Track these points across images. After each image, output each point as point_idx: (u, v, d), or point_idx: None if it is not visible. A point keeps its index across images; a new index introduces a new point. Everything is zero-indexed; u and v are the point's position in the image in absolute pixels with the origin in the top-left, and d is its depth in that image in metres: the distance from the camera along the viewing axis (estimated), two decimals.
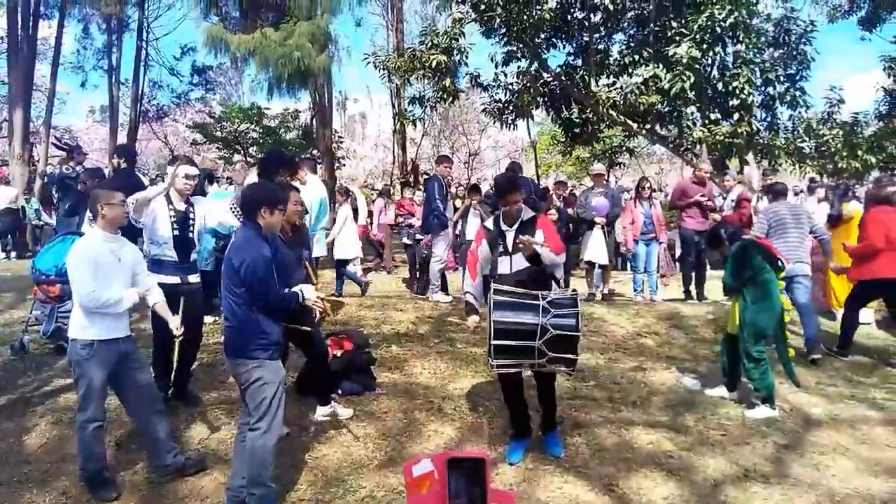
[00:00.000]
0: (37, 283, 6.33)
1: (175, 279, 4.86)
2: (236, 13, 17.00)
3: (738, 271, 5.36)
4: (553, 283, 4.38)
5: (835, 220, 8.04)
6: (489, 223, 4.58)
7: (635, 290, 9.23)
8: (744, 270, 5.32)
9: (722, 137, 10.33)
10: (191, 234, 5.02)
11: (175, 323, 4.19)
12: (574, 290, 4.39)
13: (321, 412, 4.95)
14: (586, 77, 11.58)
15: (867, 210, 7.11)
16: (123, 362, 4.00)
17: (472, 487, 3.37)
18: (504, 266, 4.35)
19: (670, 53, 9.96)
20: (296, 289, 3.89)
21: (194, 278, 5.05)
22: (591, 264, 9.11)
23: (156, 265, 4.79)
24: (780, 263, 5.33)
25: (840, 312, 8.04)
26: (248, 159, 18.61)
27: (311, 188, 7.08)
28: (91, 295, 3.81)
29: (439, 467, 3.33)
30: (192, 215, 5.04)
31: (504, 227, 4.43)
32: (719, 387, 5.64)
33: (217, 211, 5.29)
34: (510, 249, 4.34)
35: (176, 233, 4.89)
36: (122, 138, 21.88)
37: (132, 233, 4.58)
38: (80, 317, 3.91)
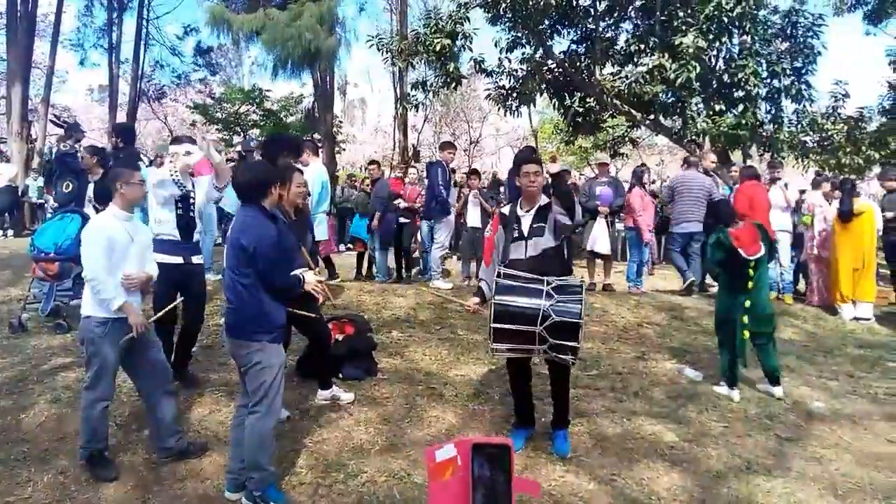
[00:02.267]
0: (35, 260, 6.29)
1: (178, 259, 4.83)
2: None
3: (713, 258, 5.54)
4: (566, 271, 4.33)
5: (847, 216, 8.06)
6: (506, 209, 4.51)
7: (629, 279, 9.18)
8: (717, 258, 5.48)
9: (726, 129, 10.26)
10: (192, 214, 4.98)
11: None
12: (581, 278, 4.35)
13: (322, 395, 4.92)
14: (591, 65, 11.49)
15: (740, 184, 8.54)
16: (136, 341, 3.96)
17: (496, 474, 3.34)
18: (518, 251, 4.24)
19: (676, 43, 9.86)
20: (297, 272, 3.86)
21: (197, 259, 5.02)
22: (593, 254, 9.07)
23: (159, 245, 4.75)
24: (741, 254, 5.32)
25: (845, 307, 8.07)
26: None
27: (312, 171, 7.03)
28: (96, 274, 3.77)
29: (463, 452, 3.30)
30: (192, 195, 5.00)
31: (520, 212, 4.35)
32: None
33: (202, 188, 5.24)
34: (525, 234, 4.24)
35: (179, 212, 4.85)
36: (121, 117, 21.73)
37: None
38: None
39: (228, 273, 3.70)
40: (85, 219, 5.91)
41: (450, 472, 3.04)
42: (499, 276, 4.03)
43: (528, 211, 4.32)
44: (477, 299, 4.46)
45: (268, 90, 21.17)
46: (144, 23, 22.31)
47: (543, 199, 4.34)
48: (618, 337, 6.88)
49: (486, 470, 3.08)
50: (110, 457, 4.00)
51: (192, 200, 4.99)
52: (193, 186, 5.05)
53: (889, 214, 8.32)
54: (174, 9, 44.22)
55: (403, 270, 9.89)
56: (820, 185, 9.07)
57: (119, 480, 3.87)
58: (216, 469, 4.01)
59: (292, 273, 3.87)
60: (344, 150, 24.49)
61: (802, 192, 10.51)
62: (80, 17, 23.61)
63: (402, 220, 9.53)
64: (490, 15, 11.27)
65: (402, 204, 9.52)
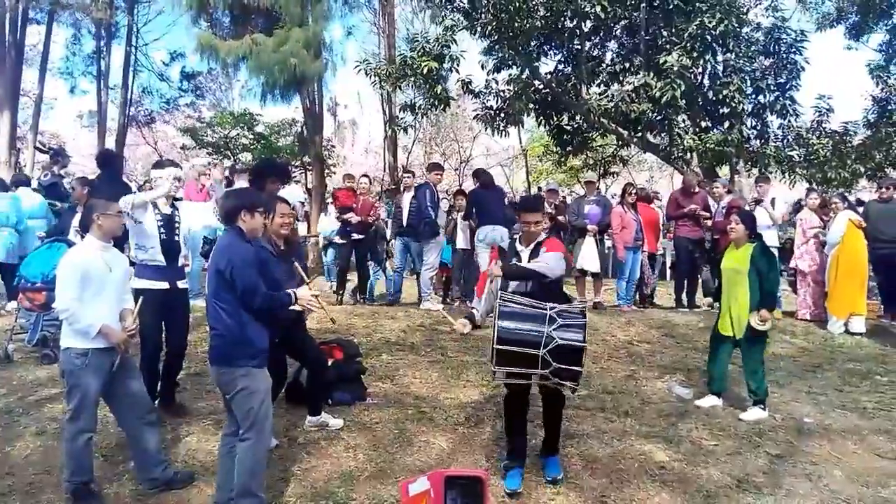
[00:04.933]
0: (22, 290, 6.26)
1: (163, 284, 4.81)
2: (226, 19, 17.00)
3: (777, 268, 5.51)
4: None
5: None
6: (505, 244, 4.59)
7: (619, 297, 9.22)
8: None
9: (712, 145, 10.34)
10: (177, 238, 4.97)
11: (128, 322, 4.05)
12: (583, 302, 4.36)
13: (311, 422, 4.88)
14: (578, 84, 11.58)
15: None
16: (117, 371, 3.93)
17: None
18: (519, 285, 4.30)
19: (661, 62, 9.96)
20: (288, 290, 3.86)
21: (182, 284, 5.00)
22: (582, 272, 9.09)
23: (143, 270, 4.75)
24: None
25: (838, 321, 8.07)
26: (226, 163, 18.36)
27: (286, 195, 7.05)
28: (68, 305, 3.75)
29: (436, 486, 3.28)
30: (177, 218, 5.00)
31: (519, 247, 4.44)
32: (710, 396, 5.61)
33: (203, 214, 5.25)
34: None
35: (163, 236, 4.84)
36: (110, 143, 21.74)
37: (117, 240, 4.50)
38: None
39: (210, 300, 3.71)
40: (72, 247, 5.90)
41: None
42: (501, 300, 3.99)
43: (527, 245, 4.40)
44: (466, 321, 4.46)
45: (258, 114, 21.27)
46: (132, 49, 22.39)
47: (541, 236, 4.44)
48: (608, 355, 6.87)
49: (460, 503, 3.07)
50: (96, 489, 3.96)
51: (176, 225, 4.99)
52: (178, 210, 5.04)
53: None
54: (163, 35, 44.30)
55: (359, 293, 9.73)
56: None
57: None
58: (204, 499, 3.97)
59: (284, 291, 3.87)
60: (334, 173, 24.50)
61: (796, 209, 10.58)
62: (69, 45, 23.72)
63: (354, 235, 9.27)
64: (481, 40, 11.35)
65: (353, 218, 9.32)
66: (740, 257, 5.39)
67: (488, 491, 3.36)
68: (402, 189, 9.79)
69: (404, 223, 9.09)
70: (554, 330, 3.84)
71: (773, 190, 9.56)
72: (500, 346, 3.86)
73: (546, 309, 3.94)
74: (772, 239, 8.81)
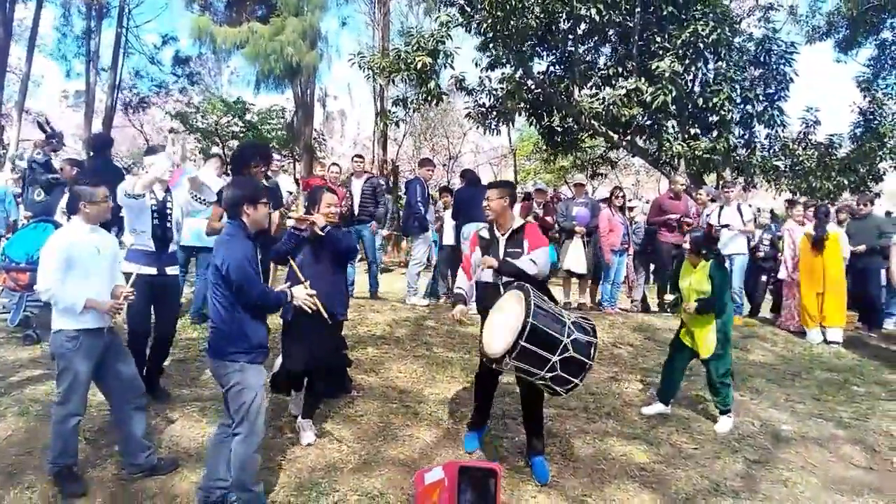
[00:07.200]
0: (6, 270, 6.20)
1: (152, 270, 4.79)
2: (221, 4, 16.90)
3: (727, 283, 5.43)
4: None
5: (819, 242, 8.18)
6: (484, 231, 4.60)
7: (603, 300, 9.29)
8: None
9: (700, 152, 10.45)
10: (169, 224, 4.96)
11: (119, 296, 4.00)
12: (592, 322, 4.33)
13: (300, 424, 4.75)
14: (570, 86, 11.64)
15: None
16: (108, 353, 3.92)
17: (481, 498, 3.36)
18: (494, 275, 4.36)
19: (653, 67, 10.05)
20: (283, 287, 3.87)
21: (172, 270, 4.98)
22: (569, 273, 9.15)
23: (134, 255, 4.73)
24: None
25: (812, 331, 8.19)
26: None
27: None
28: (49, 286, 3.71)
29: (450, 475, 3.33)
30: (170, 205, 4.98)
31: (497, 234, 4.48)
32: (657, 403, 5.61)
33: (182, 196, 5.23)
34: (501, 257, 4.37)
35: (155, 222, 4.83)
36: (97, 125, 21.52)
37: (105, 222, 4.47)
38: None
39: (210, 292, 3.71)
40: (58, 228, 5.85)
41: (437, 495, 3.08)
42: (535, 295, 3.92)
43: (504, 234, 4.44)
44: (463, 307, 4.51)
45: (251, 103, 21.12)
46: (124, 31, 22.16)
47: (518, 222, 4.48)
48: None
49: (472, 494, 3.12)
50: (79, 472, 3.95)
51: (168, 210, 4.97)
52: (171, 196, 5.03)
53: (861, 248, 8.58)
54: (156, 17, 43.77)
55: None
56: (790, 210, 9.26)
57: (87, 496, 3.82)
58: (187, 486, 3.97)
59: (278, 289, 3.89)
60: (323, 163, 24.46)
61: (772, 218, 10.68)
62: (59, 25, 23.42)
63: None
64: (476, 37, 11.37)
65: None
66: (699, 277, 5.28)
67: (500, 484, 3.41)
68: (351, 175, 9.47)
69: (355, 212, 8.88)
70: (571, 340, 3.84)
71: (756, 197, 9.66)
72: (526, 344, 3.74)
73: (566, 317, 3.96)
74: (741, 245, 8.87)
